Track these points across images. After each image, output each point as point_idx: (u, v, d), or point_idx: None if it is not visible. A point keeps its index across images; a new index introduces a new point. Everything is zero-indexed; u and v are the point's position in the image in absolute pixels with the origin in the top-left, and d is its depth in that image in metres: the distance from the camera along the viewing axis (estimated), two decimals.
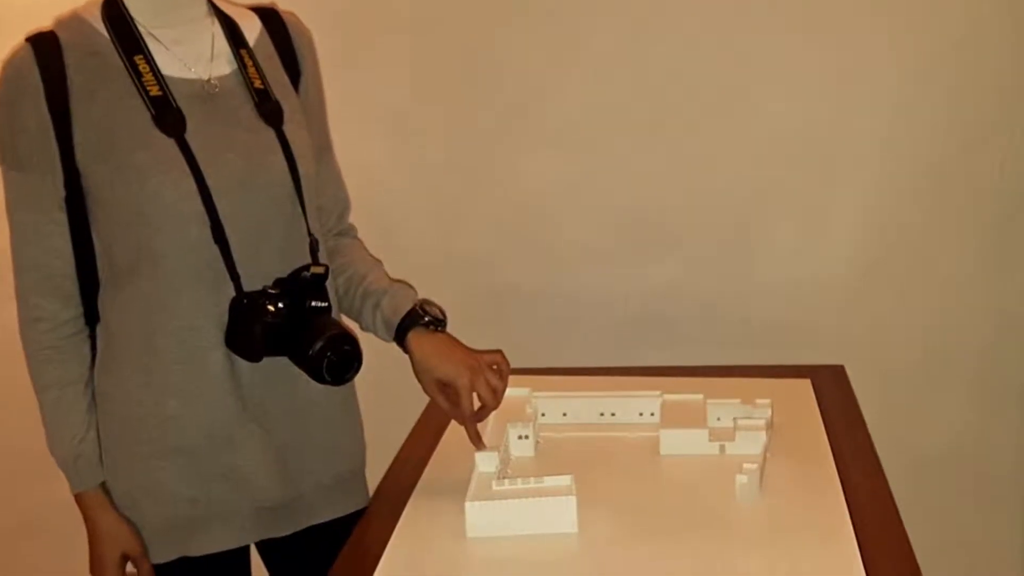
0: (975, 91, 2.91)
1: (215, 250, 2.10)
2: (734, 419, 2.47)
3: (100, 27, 2.10)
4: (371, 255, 2.52)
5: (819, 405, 2.66)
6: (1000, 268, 3.03)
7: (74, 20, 2.12)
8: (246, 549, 2.37)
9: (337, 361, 2.16)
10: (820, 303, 3.10)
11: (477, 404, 2.29)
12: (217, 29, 2.20)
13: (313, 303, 2.19)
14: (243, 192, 2.12)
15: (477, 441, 2.32)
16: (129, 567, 2.26)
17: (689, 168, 3.06)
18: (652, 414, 2.58)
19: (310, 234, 2.24)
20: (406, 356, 2.32)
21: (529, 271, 3.18)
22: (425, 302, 2.35)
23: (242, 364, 2.17)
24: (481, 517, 2.14)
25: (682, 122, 3.03)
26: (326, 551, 2.20)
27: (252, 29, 2.27)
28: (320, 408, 2.30)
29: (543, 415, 2.62)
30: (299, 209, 2.21)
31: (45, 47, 2.06)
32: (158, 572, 2.27)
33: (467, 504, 2.14)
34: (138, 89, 2.07)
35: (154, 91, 2.07)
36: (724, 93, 3.01)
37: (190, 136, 2.08)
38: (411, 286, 2.41)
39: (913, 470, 3.06)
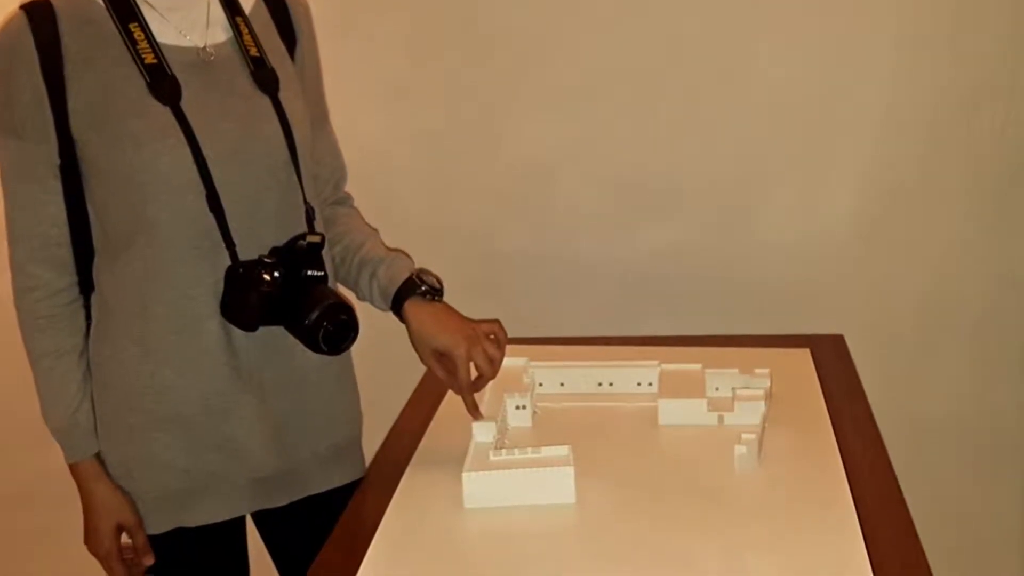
0: (975, 54, 2.90)
1: (210, 219, 2.09)
2: (733, 389, 2.46)
3: None
4: (367, 224, 2.51)
5: (818, 375, 2.66)
6: (1000, 233, 3.02)
7: None
8: (242, 520, 2.37)
9: (333, 331, 2.15)
10: (820, 269, 3.09)
11: (474, 374, 2.28)
12: None
13: (309, 272, 2.19)
14: (239, 160, 2.11)
15: (474, 411, 2.31)
16: (124, 538, 2.26)
17: (689, 133, 3.05)
18: (650, 384, 2.58)
19: (306, 203, 2.23)
20: (403, 326, 2.31)
21: (527, 239, 3.17)
22: (422, 271, 2.34)
23: (237, 334, 2.16)
24: (478, 488, 2.13)
25: (682, 86, 3.02)
26: (322, 522, 2.19)
27: None
28: (316, 378, 2.30)
29: (540, 385, 2.62)
30: (295, 178, 2.20)
31: (39, 15, 2.04)
32: (153, 543, 2.27)
33: (464, 475, 2.14)
34: (133, 57, 2.06)
35: (149, 59, 2.06)
36: (723, 56, 2.99)
37: (185, 104, 2.07)
38: (408, 255, 2.41)
39: (912, 438, 3.06)
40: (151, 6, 2.10)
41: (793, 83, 2.98)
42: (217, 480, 2.23)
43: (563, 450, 2.18)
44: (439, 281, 2.34)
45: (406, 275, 2.31)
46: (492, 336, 2.30)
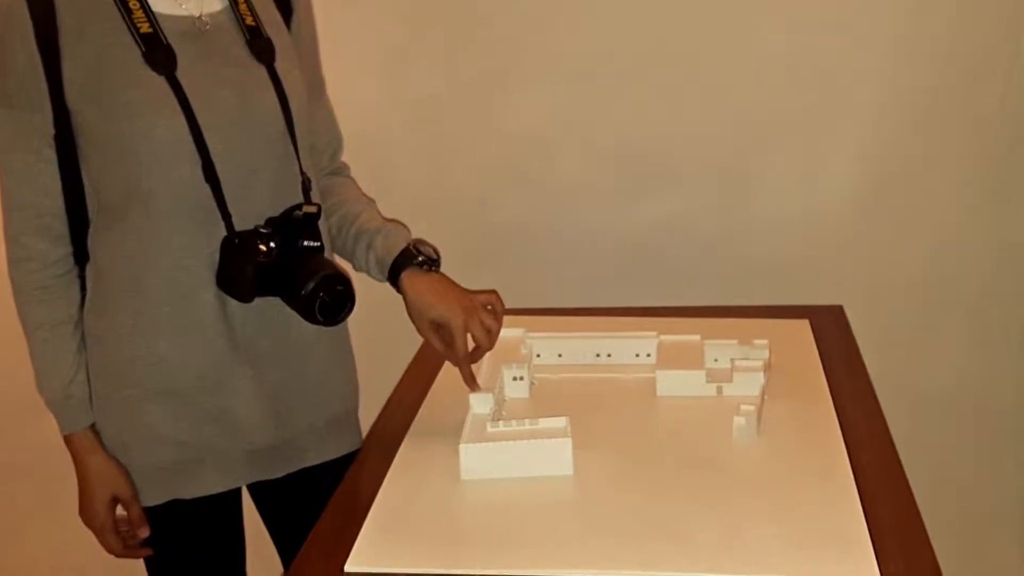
0: (975, 22, 2.88)
1: (206, 189, 2.09)
2: (731, 360, 2.46)
3: None
4: (364, 194, 2.51)
5: (817, 346, 2.65)
6: (1001, 202, 3.01)
7: None
8: (238, 492, 2.36)
9: (330, 301, 2.15)
10: (819, 239, 3.08)
11: (471, 345, 2.28)
12: None
13: (305, 243, 2.18)
14: (235, 130, 2.11)
15: (471, 382, 2.31)
16: (119, 510, 2.26)
17: (688, 104, 3.04)
18: (648, 355, 2.57)
19: (302, 173, 2.22)
20: (400, 296, 2.30)
21: (524, 209, 3.16)
22: (419, 241, 2.33)
23: (233, 305, 2.16)
24: (475, 459, 2.13)
25: (681, 56, 3.00)
26: (318, 494, 2.18)
27: None
28: (313, 349, 2.29)
29: (538, 356, 2.61)
30: (291, 148, 2.20)
31: None
32: (149, 515, 2.27)
33: (461, 446, 2.13)
34: (128, 26, 2.04)
35: (144, 28, 2.05)
36: (722, 27, 2.98)
37: (181, 74, 2.06)
38: (404, 225, 2.40)
39: (912, 410, 3.06)
40: None
41: (793, 55, 2.96)
42: (213, 452, 2.23)
43: (561, 421, 2.17)
44: (436, 252, 2.34)
45: (403, 245, 2.30)
46: (489, 307, 2.29)
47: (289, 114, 2.18)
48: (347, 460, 2.35)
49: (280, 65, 2.19)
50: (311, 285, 2.12)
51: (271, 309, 2.18)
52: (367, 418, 2.48)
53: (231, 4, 2.16)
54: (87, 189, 2.14)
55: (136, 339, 2.15)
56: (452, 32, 3.08)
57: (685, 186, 3.10)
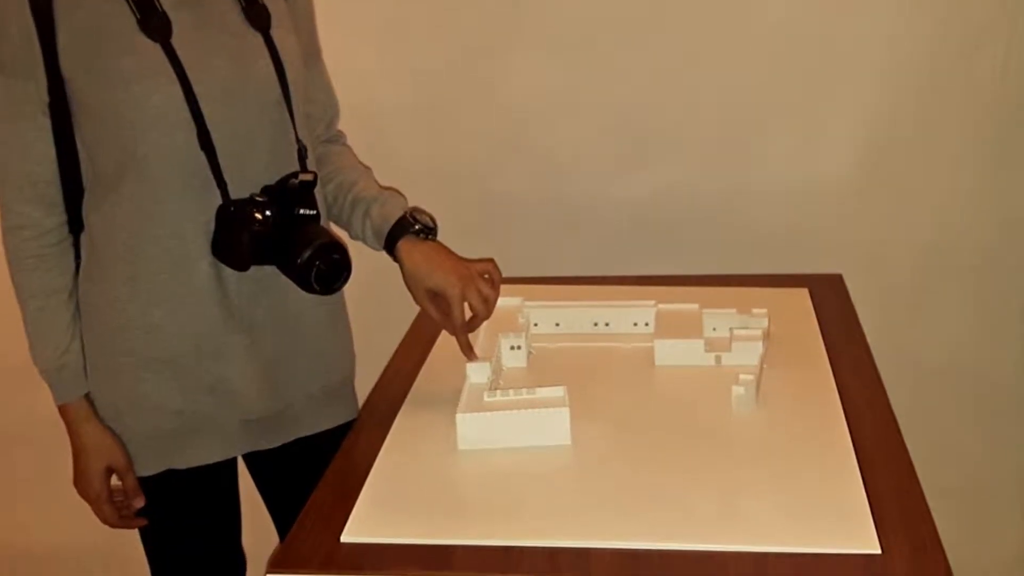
0: None
1: (201, 157, 2.08)
2: (730, 329, 2.45)
3: None
4: (360, 162, 2.50)
5: (817, 315, 2.65)
6: (1001, 170, 2.99)
7: None
8: (233, 462, 2.38)
9: (326, 270, 2.14)
10: (819, 209, 3.06)
11: (468, 314, 2.27)
12: None
13: (301, 211, 2.18)
14: (230, 98, 2.10)
15: (468, 352, 2.30)
16: (114, 480, 2.26)
17: (687, 73, 3.02)
18: (647, 324, 2.56)
19: (298, 141, 2.21)
20: (396, 265, 2.29)
21: (521, 178, 3.15)
22: (415, 210, 2.32)
23: (229, 273, 2.16)
24: (472, 429, 2.12)
25: (680, 24, 2.98)
26: (314, 463, 2.17)
27: None
28: (308, 318, 2.29)
29: (536, 325, 2.60)
30: (287, 115, 2.19)
31: None
32: (143, 485, 2.27)
33: (458, 416, 2.12)
34: None
35: None
36: None
37: (176, 41, 2.04)
38: (401, 193, 2.39)
39: (912, 380, 3.04)
40: None
41: (793, 23, 2.94)
42: (208, 421, 2.23)
43: (558, 391, 2.16)
44: (433, 220, 2.33)
45: (399, 214, 2.30)
46: (487, 275, 2.29)
47: (285, 82, 2.16)
48: (343, 430, 2.34)
49: (276, 33, 2.17)
50: (307, 254, 2.12)
51: (267, 278, 2.18)
52: (363, 388, 2.48)
53: None
54: (81, 157, 2.13)
55: (131, 307, 2.14)
56: (449, 0, 3.06)
57: (684, 154, 3.08)
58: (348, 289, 2.26)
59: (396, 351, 2.62)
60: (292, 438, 2.35)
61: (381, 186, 2.41)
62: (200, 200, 2.10)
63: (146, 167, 2.07)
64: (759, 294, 2.70)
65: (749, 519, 1.86)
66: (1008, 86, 2.90)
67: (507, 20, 3.03)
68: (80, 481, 2.25)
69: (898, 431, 2.14)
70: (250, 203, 2.11)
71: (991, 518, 3.30)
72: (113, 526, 2.30)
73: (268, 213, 2.10)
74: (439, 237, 2.33)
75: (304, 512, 1.98)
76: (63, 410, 2.23)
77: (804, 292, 2.77)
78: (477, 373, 2.28)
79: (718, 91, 3.01)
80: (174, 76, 2.03)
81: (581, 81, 3.05)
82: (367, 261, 2.35)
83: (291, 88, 2.18)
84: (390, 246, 2.29)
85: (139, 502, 2.27)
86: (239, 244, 2.11)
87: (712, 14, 2.96)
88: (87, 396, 2.22)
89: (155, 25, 2.03)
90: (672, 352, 2.41)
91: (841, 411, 2.18)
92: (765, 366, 2.35)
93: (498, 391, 2.20)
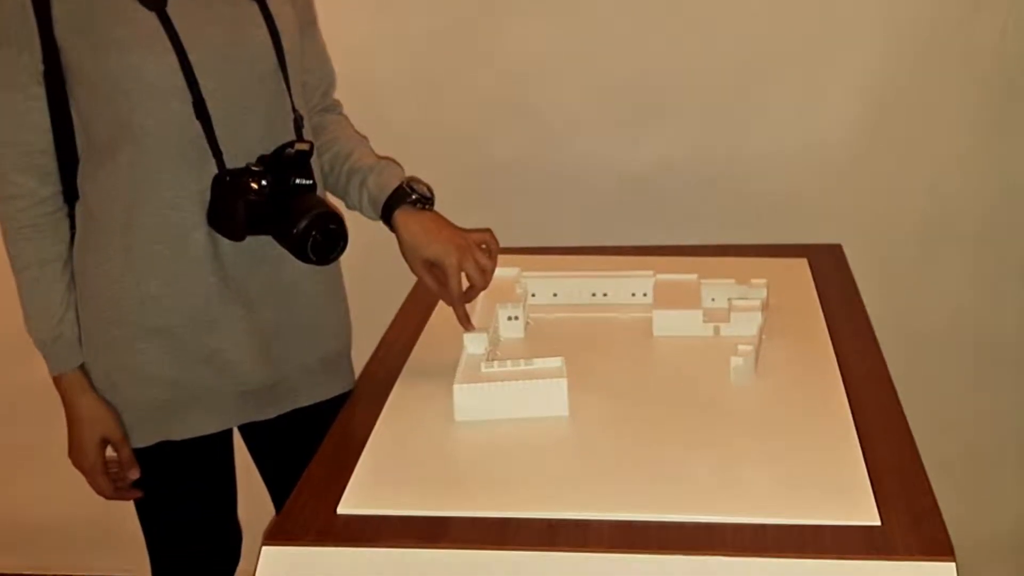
0: None
1: (197, 126, 2.07)
2: (729, 299, 2.45)
3: None
4: (357, 132, 2.49)
5: (816, 285, 2.65)
6: (1001, 136, 2.98)
7: None
8: (229, 433, 2.37)
9: (322, 240, 2.14)
10: (818, 177, 3.06)
11: (465, 284, 2.27)
12: None
13: (297, 180, 2.17)
14: (226, 67, 2.09)
15: (465, 322, 2.30)
16: (109, 451, 2.26)
17: (685, 41, 3.01)
18: (645, 294, 2.56)
19: (294, 110, 2.20)
20: (393, 235, 2.29)
21: (519, 147, 3.14)
22: (412, 179, 2.32)
23: (225, 244, 2.15)
24: (469, 400, 2.11)
25: None
26: (311, 435, 2.17)
27: None
28: (305, 289, 2.28)
29: (533, 295, 2.60)
30: (283, 84, 2.18)
31: None
32: (139, 456, 2.27)
33: (455, 387, 2.12)
34: None
35: None
36: None
37: (171, 9, 2.03)
38: (398, 163, 2.38)
39: (911, 349, 3.05)
40: None
41: None
42: (203, 393, 2.23)
43: (556, 362, 2.16)
44: (430, 189, 2.32)
45: (396, 183, 2.29)
46: (484, 245, 2.28)
47: (281, 51, 2.16)
48: (340, 401, 2.34)
49: (271, 1, 2.16)
50: (303, 224, 2.11)
51: (263, 248, 2.17)
52: (360, 358, 2.47)
53: None
54: (76, 127, 2.12)
55: (126, 277, 2.14)
56: None
57: (683, 121, 3.07)
58: (344, 259, 2.25)
59: (393, 322, 2.62)
60: (288, 409, 2.35)
61: (378, 155, 2.40)
62: (196, 170, 2.10)
63: (141, 136, 2.06)
64: (758, 264, 2.70)
65: (748, 490, 1.85)
66: (1008, 50, 2.89)
67: None
68: (75, 452, 2.25)
69: (897, 401, 2.14)
70: (246, 173, 2.10)
71: (991, 488, 3.31)
72: (108, 498, 2.30)
73: (264, 183, 2.10)
74: (436, 207, 2.32)
75: (300, 483, 1.98)
76: (58, 381, 2.22)
77: (803, 262, 2.77)
78: (474, 344, 2.27)
79: (716, 58, 3.00)
80: (169, 45, 2.02)
81: (578, 48, 3.04)
82: (364, 231, 2.35)
83: (287, 57, 2.17)
84: (387, 216, 2.28)
85: (134, 473, 2.27)
86: (235, 214, 2.10)
87: None
88: (82, 367, 2.21)
89: None
90: (670, 323, 2.41)
91: (840, 381, 2.18)
92: (764, 337, 2.35)
93: (495, 362, 2.19)
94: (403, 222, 2.26)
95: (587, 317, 2.54)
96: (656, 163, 3.10)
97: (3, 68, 2.05)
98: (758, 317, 2.36)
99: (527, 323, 2.49)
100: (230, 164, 2.10)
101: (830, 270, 2.75)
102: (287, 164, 2.15)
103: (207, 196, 2.11)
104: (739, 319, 2.37)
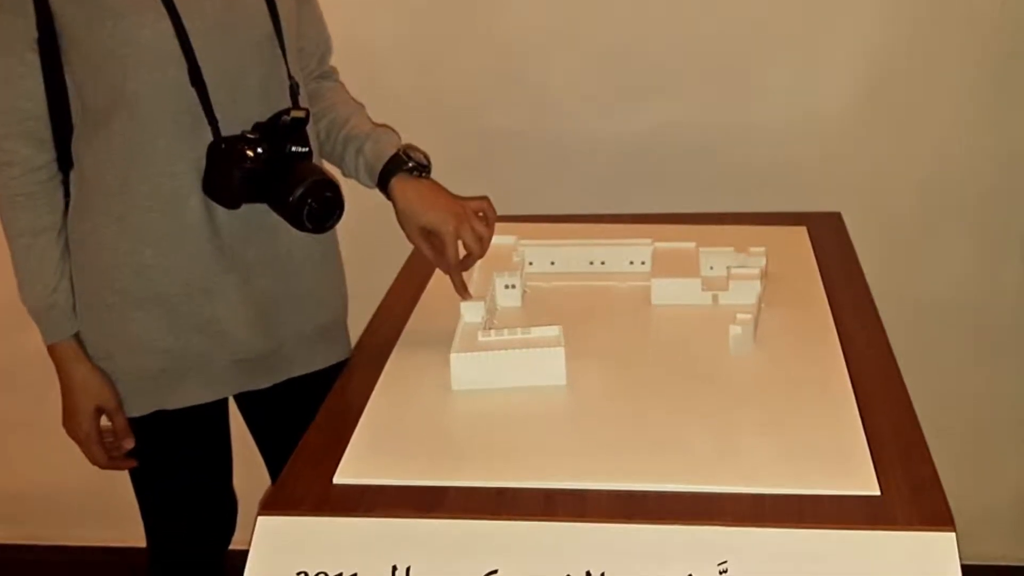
0: None
1: (192, 93, 2.07)
2: (728, 268, 2.45)
3: None
4: (353, 99, 2.49)
5: (815, 253, 2.64)
6: (1002, 106, 2.97)
7: None
8: (224, 403, 2.37)
9: (318, 208, 2.13)
10: (817, 145, 3.05)
11: (462, 252, 2.26)
12: None
13: (293, 148, 2.16)
14: (221, 33, 2.08)
15: (462, 291, 2.29)
16: (104, 421, 2.26)
17: (684, 4, 2.99)
18: (643, 263, 2.55)
19: (290, 77, 2.20)
20: (389, 203, 2.28)
21: (517, 114, 3.13)
22: (409, 147, 2.31)
23: (220, 211, 2.14)
24: (466, 369, 2.11)
25: None
26: (307, 404, 2.16)
27: None
28: (300, 257, 2.28)
29: (530, 264, 2.59)
30: (279, 51, 2.17)
31: None
32: (134, 425, 2.27)
33: (452, 356, 2.11)
34: None
35: None
36: None
37: None
38: (394, 130, 2.38)
39: (912, 319, 3.04)
40: None
41: None
42: (199, 361, 2.22)
43: (553, 330, 2.15)
44: (427, 157, 2.31)
45: (393, 151, 2.29)
46: (481, 213, 2.28)
47: (276, 17, 2.15)
48: (336, 370, 2.33)
49: None
50: (299, 191, 2.11)
51: (258, 216, 2.17)
52: (356, 327, 2.47)
53: None
54: (71, 94, 2.11)
55: (121, 246, 2.13)
56: None
57: (681, 90, 3.06)
58: (341, 227, 2.25)
59: (389, 290, 2.61)
60: (284, 378, 2.34)
61: (374, 123, 2.39)
62: (191, 137, 2.09)
63: (136, 104, 2.05)
64: (757, 232, 2.69)
65: (746, 460, 1.85)
66: (1008, 16, 2.87)
67: None
68: (69, 422, 2.24)
69: (897, 370, 2.13)
70: (241, 140, 2.09)
71: (991, 458, 3.30)
72: (103, 467, 2.30)
73: (260, 150, 2.09)
74: (433, 174, 2.31)
75: (296, 453, 1.97)
76: (52, 350, 2.21)
77: (802, 230, 2.76)
78: (471, 312, 2.27)
79: (716, 25, 2.99)
80: (164, 11, 2.01)
81: (578, 15, 3.02)
82: (360, 199, 2.34)
83: (283, 23, 2.16)
84: (383, 184, 2.28)
85: (129, 443, 2.27)
86: (230, 181, 2.10)
87: None
88: (76, 336, 2.20)
89: None
90: (669, 291, 2.40)
91: (840, 350, 2.17)
92: (763, 305, 2.34)
93: (492, 331, 2.19)
94: (400, 190, 2.25)
95: (585, 286, 2.53)
96: (655, 131, 3.09)
97: None
98: (757, 286, 2.36)
99: (524, 292, 2.49)
100: (225, 131, 2.09)
101: (829, 238, 2.74)
102: (283, 131, 2.14)
103: (202, 164, 2.10)
104: (738, 287, 2.37)
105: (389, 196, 2.27)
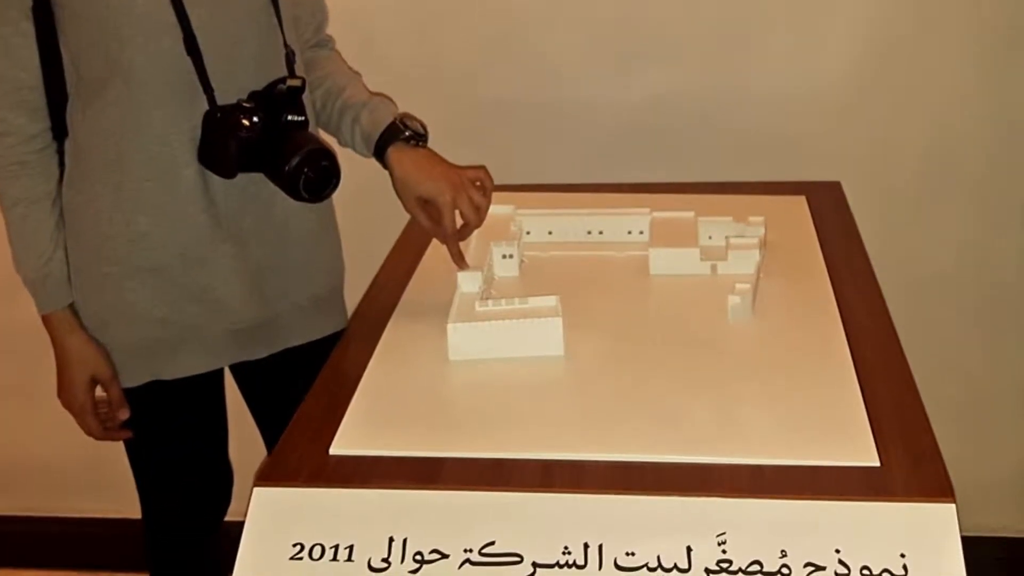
0: None
1: (188, 62, 2.05)
2: (726, 237, 2.44)
3: None
4: (349, 67, 2.48)
5: (814, 223, 2.63)
6: (1002, 75, 2.96)
7: None
8: (220, 372, 2.37)
9: (314, 177, 2.13)
10: (816, 114, 3.03)
11: (459, 222, 2.26)
12: None
13: (289, 117, 2.16)
14: (216, 1, 2.07)
15: (459, 260, 2.29)
16: (99, 391, 2.25)
17: None
18: (641, 232, 2.54)
19: (286, 46, 2.19)
20: (386, 172, 2.28)
21: (514, 82, 3.11)
22: (405, 116, 2.30)
23: (216, 181, 2.14)
24: (464, 339, 2.11)
25: None
26: (303, 374, 2.17)
27: None
28: (297, 226, 2.27)
29: (528, 233, 2.58)
30: (275, 19, 2.16)
31: None
32: (129, 396, 2.27)
33: (449, 326, 2.11)
34: None
35: None
36: None
37: None
38: (391, 100, 2.37)
39: (912, 290, 3.03)
40: None
41: None
42: (194, 331, 2.22)
43: (551, 300, 2.15)
44: (423, 126, 2.31)
45: (389, 120, 2.28)
46: (478, 183, 2.28)
47: None
48: (332, 340, 2.33)
49: None
50: (295, 161, 2.10)
51: (254, 185, 2.16)
52: (352, 297, 2.46)
53: None
54: (66, 63, 2.10)
55: (116, 215, 2.12)
56: None
57: (680, 59, 3.04)
58: (337, 197, 2.24)
59: (386, 260, 2.61)
60: (280, 348, 2.34)
61: (371, 92, 2.38)
62: (186, 106, 2.08)
63: (131, 73, 2.04)
64: (756, 202, 2.67)
65: (745, 431, 1.85)
66: None
67: None
68: (64, 392, 2.24)
69: (897, 341, 2.12)
70: (237, 109, 2.09)
71: (992, 429, 3.29)
72: (98, 438, 2.30)
73: (255, 119, 2.09)
74: (430, 144, 2.31)
75: (292, 424, 1.97)
76: (47, 320, 2.21)
77: (801, 200, 2.75)
78: (468, 282, 2.26)
79: None
80: None
81: None
82: (356, 168, 2.32)
83: None
84: (380, 153, 2.27)
85: (124, 414, 2.27)
86: (226, 151, 2.09)
87: None
88: (71, 306, 2.20)
89: None
90: (667, 261, 2.39)
91: (839, 321, 2.17)
92: (762, 275, 2.34)
93: (490, 300, 2.18)
94: (396, 159, 2.25)
95: (583, 255, 2.52)
96: (654, 100, 3.07)
97: None
98: (756, 255, 2.35)
99: (522, 261, 2.48)
100: (221, 100, 2.08)
101: (829, 208, 2.73)
102: (279, 100, 2.14)
103: (198, 133, 2.10)
104: (737, 257, 2.36)
105: (386, 165, 2.27)
